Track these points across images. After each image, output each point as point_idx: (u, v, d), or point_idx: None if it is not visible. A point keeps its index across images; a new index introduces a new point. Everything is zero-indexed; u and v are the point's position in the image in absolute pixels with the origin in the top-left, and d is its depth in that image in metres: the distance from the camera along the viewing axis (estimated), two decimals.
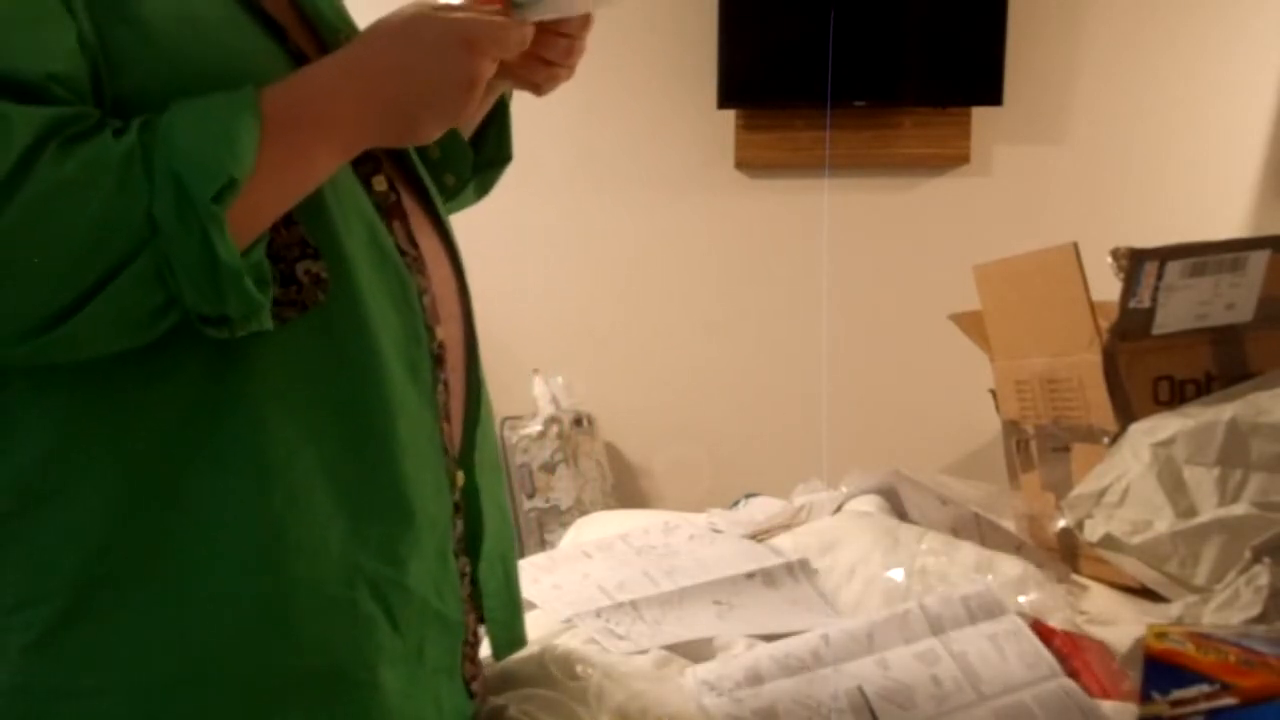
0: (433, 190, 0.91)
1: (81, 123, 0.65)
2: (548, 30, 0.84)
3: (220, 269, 0.65)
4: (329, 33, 0.83)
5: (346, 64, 0.74)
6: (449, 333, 0.86)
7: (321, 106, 0.72)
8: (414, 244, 0.83)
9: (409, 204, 0.85)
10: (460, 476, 0.88)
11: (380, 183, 0.82)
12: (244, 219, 0.67)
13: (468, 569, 0.89)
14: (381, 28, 0.75)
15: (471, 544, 0.90)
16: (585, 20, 0.88)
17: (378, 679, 0.77)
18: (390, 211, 0.82)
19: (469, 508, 0.89)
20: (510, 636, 0.98)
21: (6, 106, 0.62)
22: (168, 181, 0.64)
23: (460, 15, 0.75)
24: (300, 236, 0.73)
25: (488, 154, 1.03)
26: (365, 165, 0.81)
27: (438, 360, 0.83)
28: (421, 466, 0.81)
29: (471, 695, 0.91)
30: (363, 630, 0.76)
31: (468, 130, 0.99)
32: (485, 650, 0.97)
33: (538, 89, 0.91)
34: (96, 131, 0.65)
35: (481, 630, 0.95)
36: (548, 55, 0.87)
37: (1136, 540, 1.29)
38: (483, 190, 1.06)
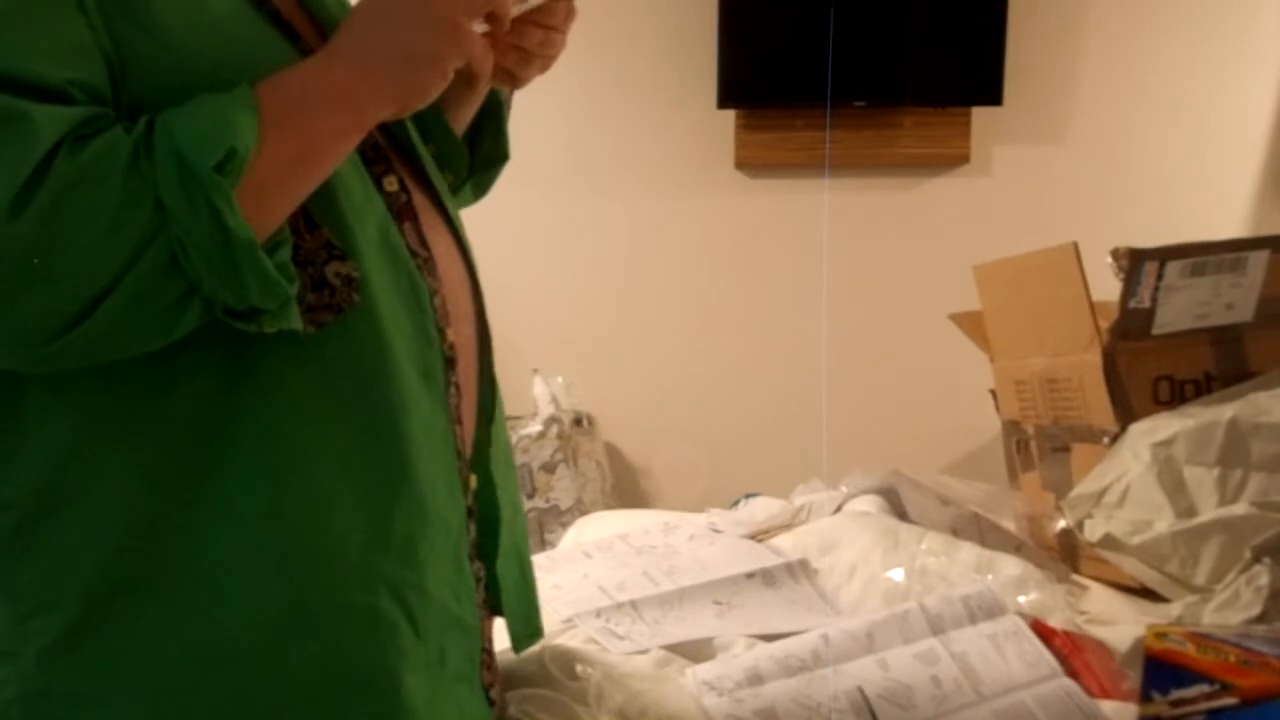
0: (443, 190, 0.91)
1: (98, 123, 0.65)
2: (524, 19, 0.83)
3: (232, 243, 0.64)
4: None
5: (326, 50, 0.74)
6: (461, 333, 0.86)
7: (309, 90, 0.71)
8: (425, 245, 0.83)
9: (420, 204, 0.85)
10: (473, 480, 0.87)
11: (391, 183, 0.82)
12: (256, 202, 0.66)
13: (482, 574, 0.89)
14: (354, 10, 0.75)
15: (487, 541, 0.89)
16: (568, 12, 0.87)
17: (401, 685, 0.76)
18: (402, 213, 0.82)
19: (484, 505, 0.89)
20: (529, 629, 0.99)
21: (31, 106, 0.62)
22: (170, 161, 0.64)
23: None
24: (326, 239, 0.73)
25: (484, 153, 1.03)
26: (377, 165, 0.81)
27: (449, 362, 0.83)
28: (436, 470, 0.80)
29: (491, 703, 0.90)
30: (385, 635, 0.76)
31: (461, 126, 0.99)
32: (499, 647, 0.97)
33: (514, 79, 0.89)
34: (108, 128, 0.65)
35: (496, 635, 0.95)
36: (523, 43, 0.86)
37: (1136, 540, 1.29)
38: (481, 190, 1.06)
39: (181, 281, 0.65)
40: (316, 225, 0.73)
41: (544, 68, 0.89)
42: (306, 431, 0.73)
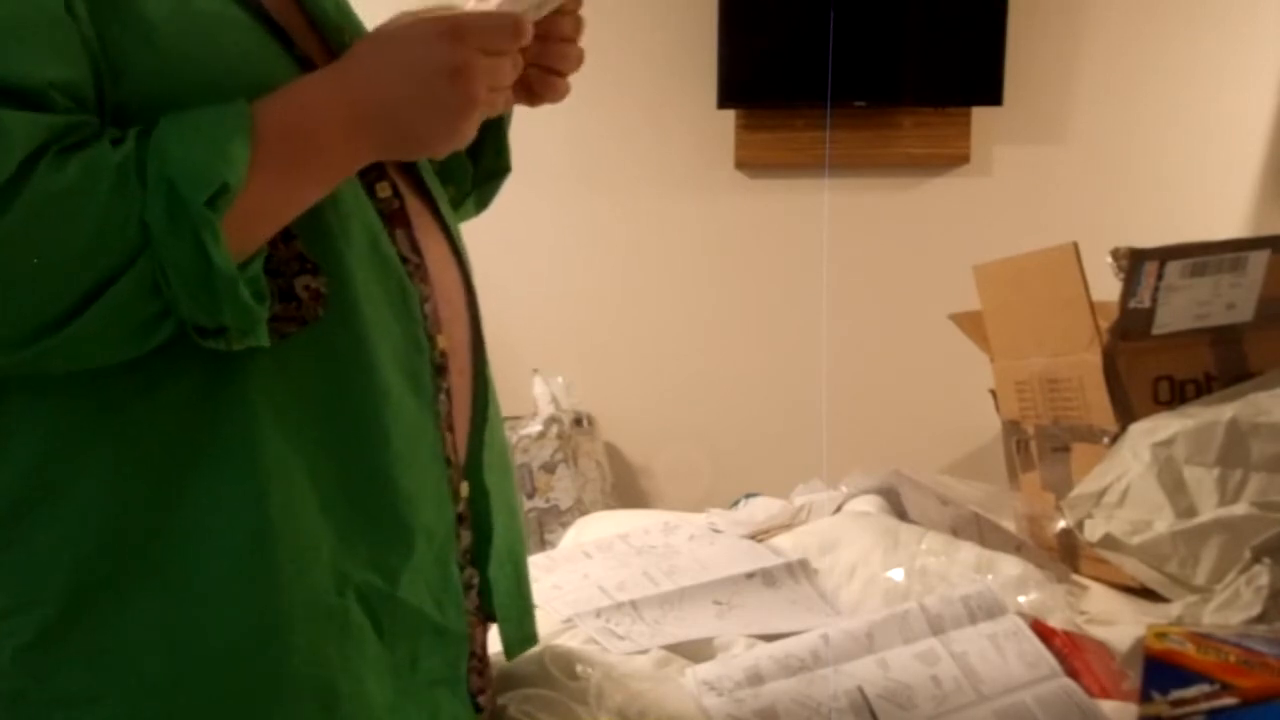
0: (439, 194, 0.91)
1: (80, 131, 0.65)
2: (549, 40, 0.83)
3: (215, 276, 0.65)
4: (334, 35, 0.82)
5: (337, 75, 0.73)
6: (454, 337, 0.85)
7: (313, 119, 0.71)
8: (417, 251, 0.83)
9: (414, 209, 0.85)
10: (465, 487, 0.87)
11: (384, 189, 0.82)
12: (241, 230, 0.67)
13: (475, 580, 0.89)
14: (371, 37, 0.75)
15: (479, 547, 0.89)
16: (576, 24, 0.86)
17: (364, 689, 0.76)
18: (393, 219, 0.82)
19: (477, 511, 0.88)
20: (522, 635, 0.98)
21: (5, 114, 0.62)
22: (160, 187, 0.64)
23: (446, 12, 0.73)
24: (298, 251, 0.73)
25: (486, 166, 1.02)
26: (369, 173, 0.81)
27: (440, 369, 0.83)
28: (420, 478, 0.80)
29: (479, 709, 0.90)
30: (352, 640, 0.76)
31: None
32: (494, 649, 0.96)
33: (531, 96, 0.87)
34: (94, 140, 0.65)
35: (491, 639, 0.95)
36: (556, 65, 0.85)
37: (1136, 540, 1.29)
38: (482, 203, 1.05)
39: (159, 301, 0.66)
40: (291, 236, 0.73)
41: (558, 90, 0.87)
42: (282, 437, 0.73)
